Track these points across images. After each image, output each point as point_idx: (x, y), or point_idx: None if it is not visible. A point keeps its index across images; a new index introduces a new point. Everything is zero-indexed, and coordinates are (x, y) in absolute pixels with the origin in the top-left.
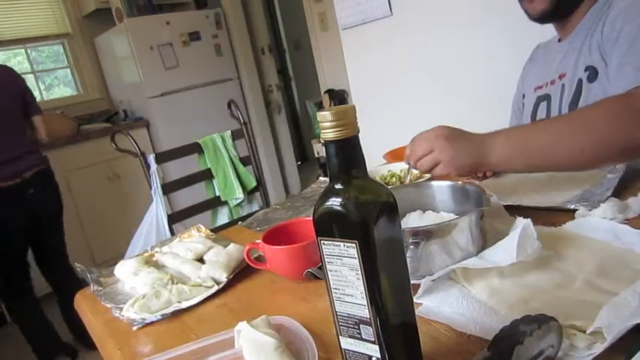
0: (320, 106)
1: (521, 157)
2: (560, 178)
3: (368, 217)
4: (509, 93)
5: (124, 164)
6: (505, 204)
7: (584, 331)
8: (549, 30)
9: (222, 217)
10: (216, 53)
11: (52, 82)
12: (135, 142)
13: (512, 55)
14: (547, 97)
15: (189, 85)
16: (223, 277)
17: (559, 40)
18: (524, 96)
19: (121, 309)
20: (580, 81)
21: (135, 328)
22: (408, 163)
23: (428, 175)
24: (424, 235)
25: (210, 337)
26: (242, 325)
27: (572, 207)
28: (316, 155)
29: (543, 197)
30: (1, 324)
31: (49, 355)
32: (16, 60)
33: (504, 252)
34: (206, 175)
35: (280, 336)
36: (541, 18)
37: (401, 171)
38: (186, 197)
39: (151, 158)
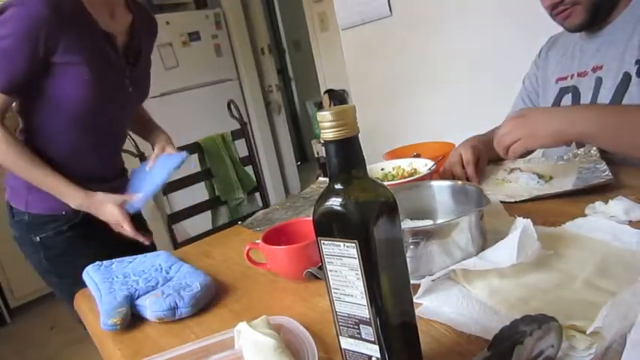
0: (320, 106)
1: (613, 138)
2: (553, 170)
3: (368, 217)
4: (512, 91)
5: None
6: (507, 201)
7: (584, 331)
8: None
9: (222, 217)
10: (216, 53)
11: None
12: (135, 142)
13: (513, 54)
14: (573, 89)
15: (189, 86)
16: None
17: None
18: (538, 84)
19: None
20: (627, 75)
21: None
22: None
23: (424, 172)
24: (424, 235)
25: (210, 337)
26: (242, 326)
27: (583, 186)
28: (316, 155)
29: (542, 189)
30: (1, 324)
31: None
32: None
33: (505, 253)
34: (206, 176)
35: (280, 336)
36: (578, 30)
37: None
38: (187, 197)
39: None
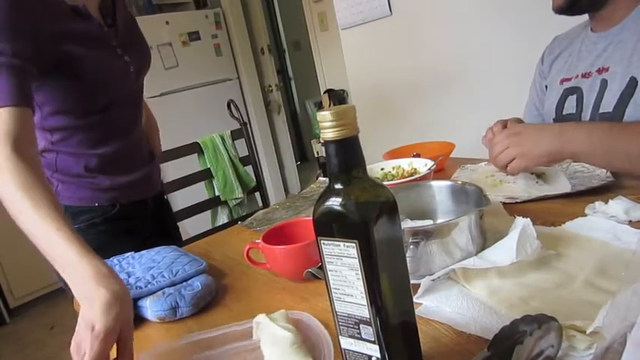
0: (320, 106)
1: (603, 156)
2: (551, 170)
3: (368, 216)
4: (512, 91)
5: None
6: (508, 202)
7: (584, 331)
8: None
9: (222, 217)
10: (216, 53)
11: None
12: None
13: (513, 54)
14: (577, 90)
15: (188, 85)
16: None
17: (591, 30)
18: (546, 87)
19: None
20: (633, 80)
21: None
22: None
23: (424, 172)
24: (424, 234)
25: (228, 326)
26: (261, 317)
27: (584, 188)
28: (316, 155)
29: (541, 189)
30: (1, 324)
31: None
32: None
33: (504, 252)
34: (206, 175)
35: (297, 331)
36: (560, 12)
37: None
38: (187, 197)
39: None
